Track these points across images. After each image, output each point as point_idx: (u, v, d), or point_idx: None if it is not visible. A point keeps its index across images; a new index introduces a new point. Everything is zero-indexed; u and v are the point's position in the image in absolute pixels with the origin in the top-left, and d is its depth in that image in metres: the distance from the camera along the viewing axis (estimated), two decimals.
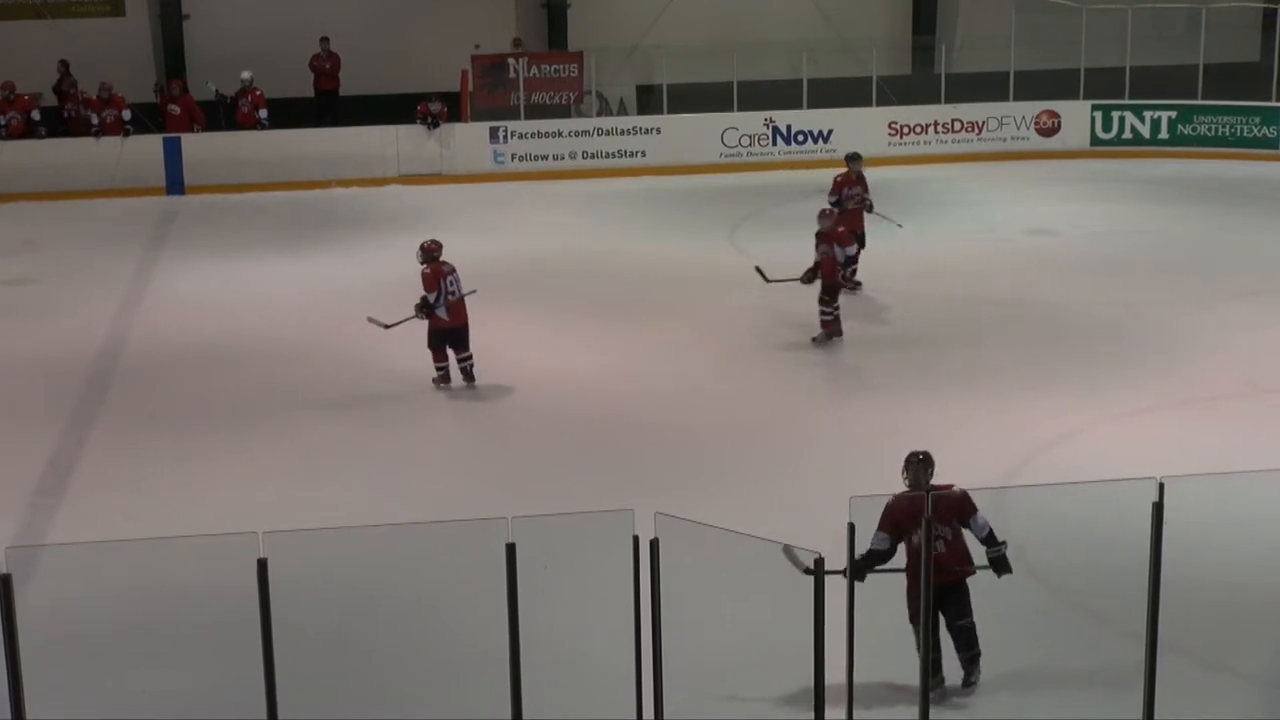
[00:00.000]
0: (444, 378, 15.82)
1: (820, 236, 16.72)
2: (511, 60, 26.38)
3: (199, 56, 27.65)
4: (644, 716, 8.47)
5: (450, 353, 15.74)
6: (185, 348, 17.20)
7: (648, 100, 26.92)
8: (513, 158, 25.90)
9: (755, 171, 26.02)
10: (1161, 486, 8.21)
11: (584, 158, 26.07)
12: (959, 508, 9.45)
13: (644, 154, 26.12)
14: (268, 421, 14.89)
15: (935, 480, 9.56)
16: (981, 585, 10.90)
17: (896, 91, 27.07)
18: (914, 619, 9.28)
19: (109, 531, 11.44)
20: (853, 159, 19.11)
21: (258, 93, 25.55)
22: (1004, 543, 9.52)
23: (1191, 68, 27.10)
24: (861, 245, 18.28)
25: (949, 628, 9.57)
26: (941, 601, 9.28)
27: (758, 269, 17.04)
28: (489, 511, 8.75)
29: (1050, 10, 27.88)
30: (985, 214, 23.24)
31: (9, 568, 7.66)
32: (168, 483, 13.44)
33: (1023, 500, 12.01)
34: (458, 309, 15.80)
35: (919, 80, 28.33)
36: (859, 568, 8.99)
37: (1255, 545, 11.67)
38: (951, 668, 9.64)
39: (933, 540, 8.98)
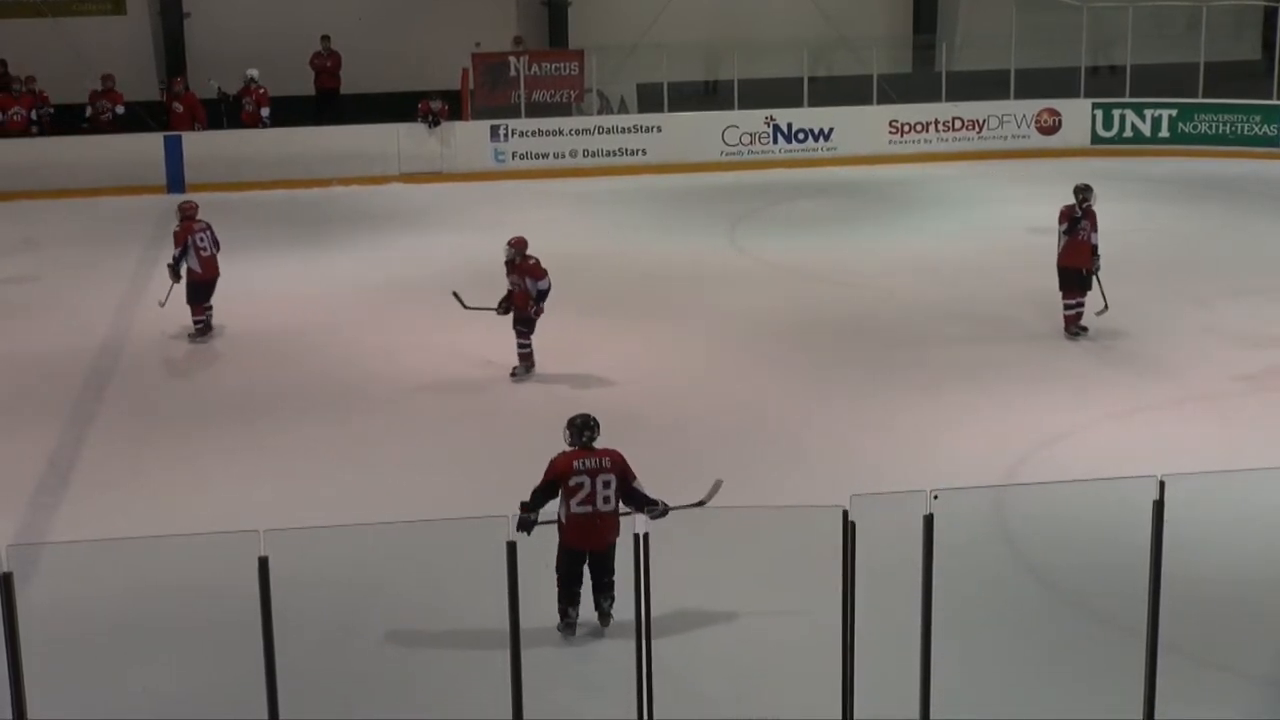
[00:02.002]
0: (204, 328, 17.26)
1: (510, 266, 15.63)
2: (512, 58, 26.38)
3: (200, 54, 27.65)
4: (644, 716, 8.47)
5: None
6: (185, 346, 17.19)
7: (648, 98, 26.90)
8: (513, 156, 25.90)
9: (756, 170, 26.03)
10: (1162, 485, 8.21)
11: (585, 156, 26.06)
12: (622, 470, 10.23)
13: (644, 152, 26.12)
14: (269, 420, 14.89)
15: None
16: (980, 581, 10.93)
17: (897, 90, 27.07)
18: (563, 581, 10.25)
19: (109, 530, 11.44)
20: (1084, 190, 16.86)
21: (261, 91, 25.57)
22: (660, 503, 10.23)
23: (1192, 66, 27.11)
24: (1087, 286, 16.65)
25: (596, 583, 10.29)
26: (593, 561, 10.24)
27: (455, 294, 15.98)
28: (488, 510, 8.73)
29: (1051, 8, 27.89)
30: (986, 212, 23.25)
31: (10, 566, 7.67)
32: (168, 481, 13.44)
33: (1022, 499, 12.03)
34: (210, 263, 17.31)
35: (920, 78, 28.35)
36: (527, 507, 10.10)
37: (1255, 544, 11.67)
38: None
39: (602, 490, 10.12)
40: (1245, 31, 29.93)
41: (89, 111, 25.32)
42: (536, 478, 13.14)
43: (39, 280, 19.96)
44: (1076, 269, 16.62)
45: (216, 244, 17.47)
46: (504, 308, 15.69)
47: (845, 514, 8.13)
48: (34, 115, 25.04)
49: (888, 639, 8.78)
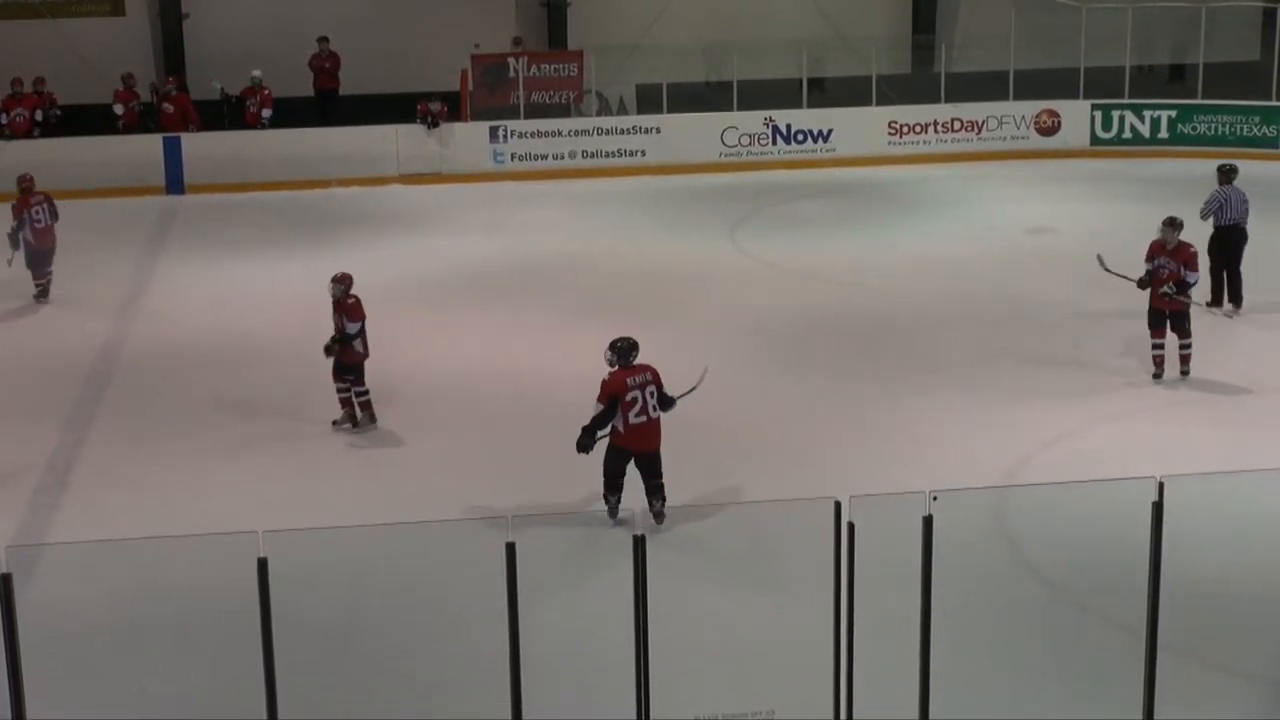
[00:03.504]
0: (43, 293, 18.71)
1: (335, 304, 14.41)
2: (511, 59, 26.37)
3: (198, 56, 27.64)
4: (644, 716, 8.47)
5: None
6: (185, 347, 17.20)
7: (647, 99, 26.91)
8: (512, 157, 25.89)
9: (755, 171, 26.02)
10: (1161, 486, 8.22)
11: (584, 157, 26.06)
12: (658, 380, 12.10)
13: (644, 153, 26.12)
14: (267, 420, 14.88)
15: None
16: (980, 581, 10.94)
17: (896, 90, 27.07)
18: (611, 475, 12.01)
19: (109, 531, 11.44)
20: (1167, 225, 15.55)
21: (266, 92, 25.55)
22: (673, 399, 12.25)
23: (1191, 67, 27.10)
24: (1176, 329, 15.38)
25: (646, 484, 12.02)
26: (643, 463, 12.01)
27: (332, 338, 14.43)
28: (489, 510, 8.79)
29: (1050, 9, 27.89)
30: (985, 213, 23.24)
31: (9, 567, 7.66)
32: (168, 482, 13.44)
33: (1022, 499, 12.03)
34: (43, 234, 18.71)
35: (919, 79, 28.34)
36: (591, 430, 11.87)
37: (1255, 544, 11.67)
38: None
39: (650, 400, 11.96)
40: (1245, 32, 29.90)
41: (120, 110, 25.27)
42: (536, 478, 13.25)
43: None
44: (1160, 309, 15.40)
45: (55, 215, 18.89)
46: (329, 348, 14.34)
47: (837, 505, 8.14)
48: (38, 116, 25.02)
49: (888, 639, 8.78)
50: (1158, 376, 15.42)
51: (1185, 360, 15.40)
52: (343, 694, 9.79)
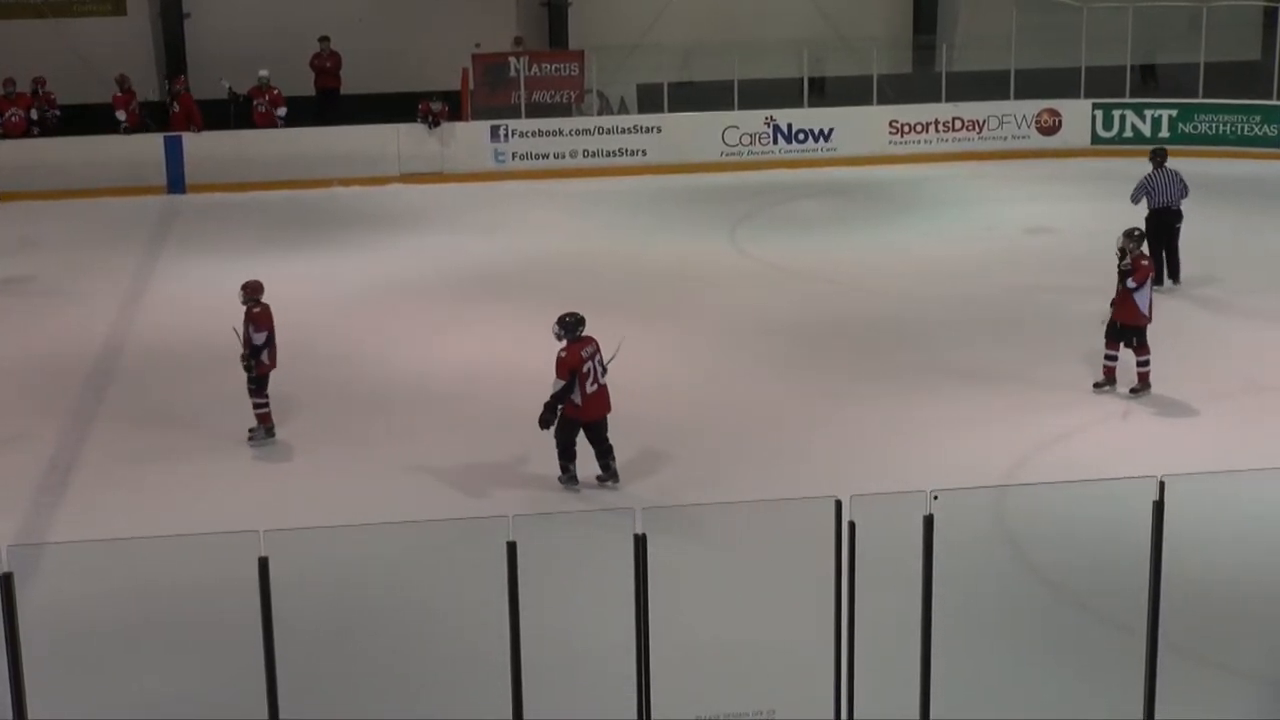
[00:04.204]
0: None
1: (245, 313, 14.16)
2: (512, 59, 26.38)
3: (200, 55, 27.65)
4: (644, 716, 8.47)
5: None
6: (186, 346, 17.19)
7: (648, 99, 26.91)
8: (514, 156, 25.90)
9: (756, 170, 26.02)
10: (1162, 485, 8.22)
11: (585, 156, 26.06)
12: (599, 349, 12.79)
13: (645, 153, 26.13)
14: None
15: None
16: (980, 581, 10.94)
17: (897, 90, 27.08)
18: (565, 446, 12.86)
19: (110, 530, 11.43)
20: (1125, 236, 15.29)
21: (276, 92, 25.53)
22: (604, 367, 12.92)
23: (1192, 66, 27.11)
24: (1128, 343, 15.12)
25: (598, 448, 12.85)
26: (593, 429, 12.81)
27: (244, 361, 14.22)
28: (489, 510, 8.78)
29: (1051, 9, 27.89)
30: (985, 213, 23.25)
31: (10, 566, 7.67)
32: (168, 481, 13.45)
33: (1023, 499, 12.03)
34: None
35: (920, 79, 28.35)
36: (553, 406, 12.58)
37: (1255, 544, 11.68)
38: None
39: (599, 367, 12.73)
40: (1245, 31, 29.91)
41: (123, 116, 25.16)
42: (536, 478, 13.26)
43: (39, 280, 19.97)
44: (1114, 321, 15.13)
45: None
46: (248, 365, 14.13)
47: (838, 505, 8.14)
48: (33, 115, 24.99)
49: (888, 639, 8.78)
50: (1098, 386, 15.19)
51: (1142, 379, 15.13)
52: (343, 694, 9.79)
